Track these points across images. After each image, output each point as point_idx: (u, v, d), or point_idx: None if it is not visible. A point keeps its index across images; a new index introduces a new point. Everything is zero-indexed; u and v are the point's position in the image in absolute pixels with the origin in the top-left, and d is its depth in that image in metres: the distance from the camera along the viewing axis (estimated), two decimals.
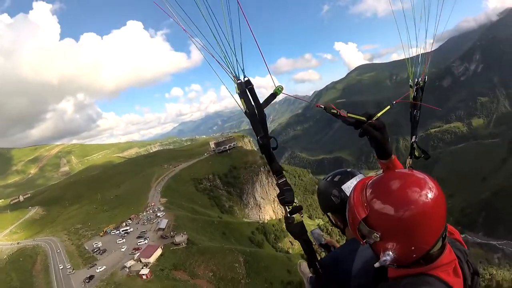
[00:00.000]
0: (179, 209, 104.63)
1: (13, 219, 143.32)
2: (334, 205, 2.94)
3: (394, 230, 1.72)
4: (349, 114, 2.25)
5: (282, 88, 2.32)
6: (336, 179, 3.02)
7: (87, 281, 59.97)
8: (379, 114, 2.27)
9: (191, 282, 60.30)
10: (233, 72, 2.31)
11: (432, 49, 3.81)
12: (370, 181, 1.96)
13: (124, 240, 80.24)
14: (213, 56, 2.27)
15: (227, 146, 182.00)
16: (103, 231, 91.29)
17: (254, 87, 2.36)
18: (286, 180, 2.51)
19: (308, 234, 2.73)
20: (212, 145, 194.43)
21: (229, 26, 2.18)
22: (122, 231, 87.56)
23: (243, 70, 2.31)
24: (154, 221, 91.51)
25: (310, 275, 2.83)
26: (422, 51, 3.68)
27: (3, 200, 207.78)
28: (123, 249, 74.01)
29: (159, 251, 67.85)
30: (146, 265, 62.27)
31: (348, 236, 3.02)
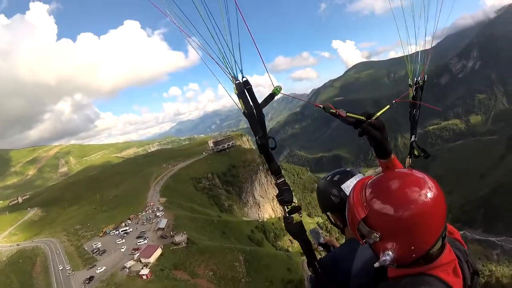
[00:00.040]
0: (179, 209, 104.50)
1: (12, 220, 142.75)
2: (334, 205, 2.94)
3: (394, 230, 1.71)
4: (348, 114, 2.25)
5: (280, 88, 2.31)
6: (335, 178, 3.02)
7: (87, 282, 59.75)
8: (378, 114, 2.27)
9: (191, 282, 60.23)
10: (231, 73, 2.30)
11: (431, 46, 3.73)
12: (370, 181, 1.95)
13: (123, 241, 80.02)
14: (211, 57, 2.27)
15: (226, 145, 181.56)
16: (103, 231, 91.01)
17: (252, 87, 2.35)
18: (284, 180, 2.50)
19: (308, 233, 2.72)
20: (210, 144, 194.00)
21: (227, 26, 2.18)
22: (122, 231, 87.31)
23: (241, 71, 2.29)
24: (153, 221, 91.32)
25: (310, 274, 2.78)
26: (421, 49, 3.62)
27: (1, 201, 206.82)
28: (122, 250, 73.82)
29: (159, 251, 67.73)
30: (146, 265, 62.13)
31: (347, 236, 3.02)
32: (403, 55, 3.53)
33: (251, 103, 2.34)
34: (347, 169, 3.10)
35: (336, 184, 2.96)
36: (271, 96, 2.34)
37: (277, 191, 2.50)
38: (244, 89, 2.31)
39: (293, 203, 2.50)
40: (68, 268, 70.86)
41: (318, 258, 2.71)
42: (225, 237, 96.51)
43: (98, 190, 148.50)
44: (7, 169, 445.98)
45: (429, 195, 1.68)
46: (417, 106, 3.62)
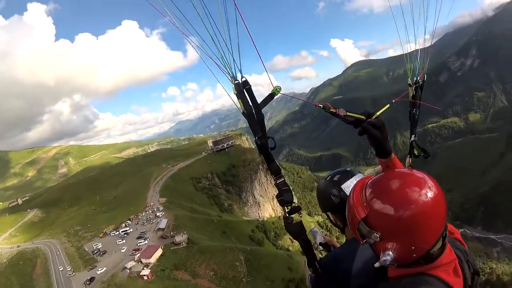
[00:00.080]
0: (179, 209, 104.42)
1: (12, 222, 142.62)
2: (334, 205, 2.94)
3: (394, 230, 1.71)
4: (347, 113, 2.25)
5: (280, 89, 2.30)
6: (335, 178, 3.02)
7: (88, 283, 59.66)
8: (378, 113, 2.27)
9: (192, 282, 60.14)
10: (230, 73, 2.29)
11: (431, 44, 3.72)
12: (370, 181, 1.95)
13: (124, 241, 79.95)
14: (210, 57, 2.26)
15: (225, 145, 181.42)
16: (103, 232, 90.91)
17: (251, 87, 2.34)
18: (284, 180, 2.50)
19: (308, 233, 2.72)
20: (210, 143, 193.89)
21: (226, 26, 2.17)
22: (122, 232, 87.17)
23: (240, 71, 2.28)
24: (153, 221, 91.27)
25: (310, 274, 2.79)
26: (421, 47, 3.61)
27: (1, 203, 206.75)
28: (123, 250, 73.65)
29: (159, 251, 67.68)
30: (146, 265, 62.07)
31: (348, 236, 3.02)
32: (401, 53, 3.53)
33: (251, 103, 2.33)
34: (347, 169, 3.09)
35: (336, 184, 2.95)
36: (271, 96, 2.33)
37: (277, 192, 2.50)
38: (243, 89, 2.31)
39: (293, 203, 2.50)
40: (68, 269, 70.77)
41: (318, 258, 2.70)
42: (225, 237, 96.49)
43: (98, 191, 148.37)
44: (6, 170, 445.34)
45: (429, 194, 1.68)
46: (416, 106, 3.62)
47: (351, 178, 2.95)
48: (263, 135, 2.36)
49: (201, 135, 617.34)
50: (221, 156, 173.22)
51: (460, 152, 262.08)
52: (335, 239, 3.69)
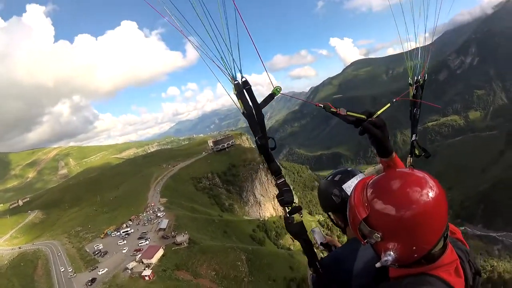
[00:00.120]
0: (179, 209, 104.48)
1: (13, 223, 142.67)
2: (335, 205, 2.93)
3: (395, 230, 1.70)
4: (348, 113, 2.25)
5: (280, 89, 2.31)
6: (336, 178, 3.01)
7: (89, 284, 59.65)
8: (379, 112, 2.28)
9: (194, 282, 60.17)
10: (230, 73, 2.30)
11: (429, 42, 3.73)
12: (371, 181, 1.94)
13: (125, 242, 79.92)
14: (210, 58, 2.28)
15: (225, 144, 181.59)
16: (104, 233, 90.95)
17: (251, 87, 2.34)
18: (285, 180, 2.50)
19: (309, 233, 2.72)
20: (210, 143, 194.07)
21: (226, 26, 2.18)
22: (123, 232, 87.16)
23: (240, 71, 2.29)
24: (154, 221, 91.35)
25: (311, 273, 2.79)
26: (421, 45, 3.62)
27: (2, 205, 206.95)
28: (124, 251, 73.75)
29: (160, 252, 67.70)
30: (148, 266, 62.10)
31: (349, 236, 3.02)
32: (401, 52, 3.55)
33: (251, 104, 2.33)
34: (348, 169, 3.08)
35: (337, 184, 2.94)
36: (271, 97, 2.34)
37: (278, 192, 2.50)
38: (243, 89, 2.31)
39: (293, 204, 2.51)
40: (70, 270, 70.81)
41: (319, 258, 2.71)
42: (226, 237, 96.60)
43: (98, 192, 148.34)
44: (6, 172, 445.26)
45: (431, 194, 1.67)
46: (417, 105, 3.63)
47: (352, 178, 2.94)
48: (263, 135, 2.36)
49: (201, 135, 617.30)
50: (222, 155, 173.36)
51: (460, 150, 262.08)
52: (336, 239, 3.71)
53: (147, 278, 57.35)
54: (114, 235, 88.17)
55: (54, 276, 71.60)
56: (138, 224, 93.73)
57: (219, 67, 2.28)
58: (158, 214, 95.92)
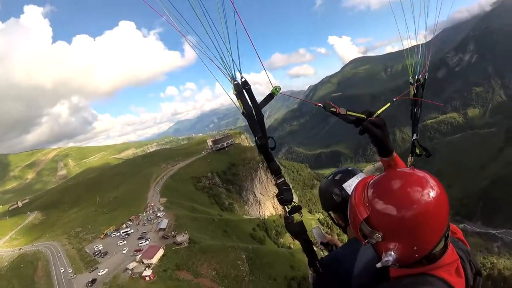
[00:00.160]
0: (179, 209, 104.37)
1: (12, 225, 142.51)
2: (335, 204, 2.93)
3: (396, 230, 1.70)
4: (348, 112, 2.25)
5: (279, 89, 2.31)
6: (337, 177, 3.01)
7: (89, 285, 59.54)
8: (379, 112, 2.28)
9: (194, 282, 60.14)
10: (229, 73, 2.30)
11: (428, 40, 3.68)
12: (372, 181, 1.93)
13: (125, 242, 79.70)
14: (209, 58, 2.27)
15: (225, 144, 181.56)
16: (104, 233, 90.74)
17: (251, 87, 2.34)
18: (284, 180, 2.51)
19: (309, 232, 2.73)
20: (209, 143, 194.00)
21: (225, 26, 2.17)
22: (123, 232, 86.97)
23: (240, 71, 2.29)
24: (154, 221, 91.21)
25: (311, 274, 2.78)
26: (421, 42, 3.59)
27: (1, 206, 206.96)
28: (124, 251, 73.62)
29: (161, 252, 67.62)
30: (148, 266, 62.02)
31: (349, 235, 3.02)
32: (399, 49, 3.47)
33: (250, 104, 2.34)
34: (349, 168, 3.07)
35: (338, 183, 2.95)
36: (270, 96, 2.34)
37: (277, 191, 2.51)
38: (242, 89, 2.31)
39: (293, 203, 2.52)
40: (70, 271, 70.63)
41: (320, 257, 2.71)
42: (226, 236, 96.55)
43: (98, 192, 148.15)
44: (6, 173, 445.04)
45: (432, 194, 1.66)
46: (418, 104, 3.60)
47: (352, 177, 2.94)
48: (263, 135, 2.37)
49: (200, 134, 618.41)
50: (221, 155, 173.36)
51: (459, 147, 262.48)
52: (336, 237, 3.65)
53: (147, 278, 57.30)
54: (114, 235, 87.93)
55: (54, 277, 71.47)
56: (138, 224, 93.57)
57: (218, 67, 2.28)
58: (158, 214, 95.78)
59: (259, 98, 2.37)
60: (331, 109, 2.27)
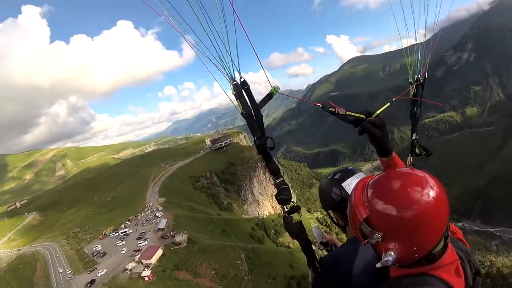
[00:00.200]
0: (178, 208, 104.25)
1: (11, 226, 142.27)
2: (335, 203, 2.93)
3: (396, 230, 1.69)
4: (347, 112, 2.26)
5: (278, 88, 2.31)
6: (336, 176, 3.02)
7: (88, 285, 59.33)
8: (378, 112, 2.28)
9: (193, 282, 60.00)
10: (228, 73, 2.31)
11: (427, 39, 3.63)
12: (371, 181, 1.92)
13: (123, 242, 79.59)
14: (208, 58, 2.27)
15: (223, 143, 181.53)
16: (102, 234, 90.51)
17: (250, 87, 2.35)
18: (283, 179, 2.53)
19: (309, 232, 2.75)
20: (208, 142, 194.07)
21: (224, 26, 2.18)
22: (121, 233, 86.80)
23: (239, 71, 2.31)
24: (153, 221, 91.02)
25: (311, 273, 2.78)
26: (422, 42, 3.56)
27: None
28: (123, 251, 73.39)
29: (160, 252, 67.49)
30: (147, 266, 61.87)
31: (349, 235, 3.02)
32: (397, 48, 3.44)
33: (249, 104, 2.34)
34: (349, 168, 3.07)
35: (337, 182, 2.95)
36: (269, 96, 2.35)
37: (276, 191, 2.52)
38: (241, 89, 2.32)
39: (292, 203, 2.53)
40: (68, 272, 70.44)
41: (319, 257, 2.72)
42: (225, 235, 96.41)
43: (96, 192, 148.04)
44: (4, 174, 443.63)
45: (432, 194, 1.66)
46: (417, 104, 3.58)
47: (351, 176, 2.93)
48: (262, 135, 2.37)
49: (199, 134, 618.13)
50: (219, 154, 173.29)
51: (458, 146, 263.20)
52: (335, 236, 3.62)
53: (146, 278, 57.14)
54: (113, 235, 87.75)
55: (53, 278, 71.28)
56: (137, 224, 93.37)
57: (217, 67, 2.28)
58: (157, 214, 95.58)
59: (257, 97, 2.36)
60: (330, 109, 2.27)
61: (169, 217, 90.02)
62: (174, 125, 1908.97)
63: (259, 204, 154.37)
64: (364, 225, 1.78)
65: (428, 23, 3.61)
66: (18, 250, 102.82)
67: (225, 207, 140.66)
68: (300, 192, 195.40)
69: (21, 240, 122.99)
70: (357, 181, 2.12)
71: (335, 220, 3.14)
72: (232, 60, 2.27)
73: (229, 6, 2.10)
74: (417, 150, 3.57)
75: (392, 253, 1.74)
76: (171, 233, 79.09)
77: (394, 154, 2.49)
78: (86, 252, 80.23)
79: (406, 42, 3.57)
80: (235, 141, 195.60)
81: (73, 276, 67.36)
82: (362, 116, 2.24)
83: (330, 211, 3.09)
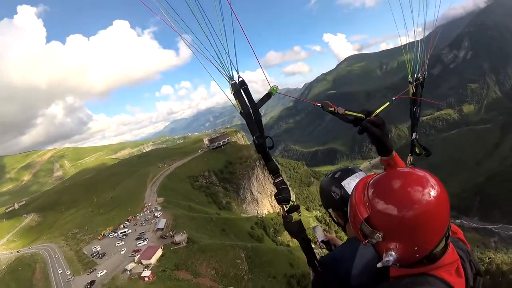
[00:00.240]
0: (177, 208, 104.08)
1: (9, 227, 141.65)
2: (334, 201, 2.94)
3: (397, 230, 1.69)
4: (347, 112, 2.26)
5: (277, 88, 2.31)
6: (336, 175, 3.03)
7: (88, 286, 59.03)
8: (378, 111, 2.29)
9: (194, 282, 59.95)
10: (227, 73, 2.30)
11: (426, 36, 3.66)
12: (372, 180, 1.91)
13: (123, 243, 79.29)
14: (206, 58, 2.25)
15: (221, 142, 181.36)
16: (101, 234, 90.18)
17: (248, 86, 2.35)
18: (282, 179, 2.53)
19: (309, 231, 2.76)
20: (206, 141, 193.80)
21: (222, 25, 2.16)
22: (121, 233, 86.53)
23: (237, 71, 2.29)
24: (152, 221, 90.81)
25: (312, 273, 2.79)
26: (421, 40, 3.59)
27: None
28: (122, 252, 73.07)
29: (159, 252, 67.32)
30: (147, 266, 61.71)
31: (348, 234, 3.03)
32: (394, 46, 3.44)
33: (248, 103, 2.34)
34: (349, 167, 3.08)
35: (337, 181, 2.96)
36: (268, 96, 2.34)
37: (276, 191, 2.53)
38: (240, 89, 2.32)
39: (291, 202, 2.53)
40: (68, 273, 70.04)
41: (319, 257, 2.72)
42: (225, 235, 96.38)
43: (95, 193, 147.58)
44: (1, 175, 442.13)
45: (432, 194, 1.65)
46: (417, 103, 3.57)
47: (351, 175, 2.95)
48: (261, 135, 2.37)
49: (196, 133, 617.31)
50: (218, 153, 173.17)
51: (455, 143, 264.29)
52: (334, 235, 3.65)
53: (146, 279, 57.01)
54: (112, 236, 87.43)
55: (53, 280, 70.93)
56: (136, 224, 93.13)
57: (216, 67, 2.27)
58: (156, 214, 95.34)
59: (255, 96, 2.37)
60: (329, 108, 2.27)
61: (168, 217, 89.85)
62: (171, 125, 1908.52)
63: (258, 203, 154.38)
64: (364, 225, 1.78)
65: (424, 20, 3.65)
66: (18, 252, 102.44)
67: (224, 206, 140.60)
68: (298, 191, 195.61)
69: (20, 241, 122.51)
70: (357, 181, 2.13)
71: (335, 219, 3.15)
72: (230, 59, 2.24)
73: (226, 5, 2.10)
74: (417, 150, 3.58)
75: (393, 253, 1.73)
76: (171, 233, 78.89)
77: (394, 153, 2.47)
78: (85, 253, 79.88)
79: (404, 40, 3.60)
80: (233, 140, 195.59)
81: (73, 277, 67.04)
82: (361, 115, 2.24)
83: (330, 210, 3.10)
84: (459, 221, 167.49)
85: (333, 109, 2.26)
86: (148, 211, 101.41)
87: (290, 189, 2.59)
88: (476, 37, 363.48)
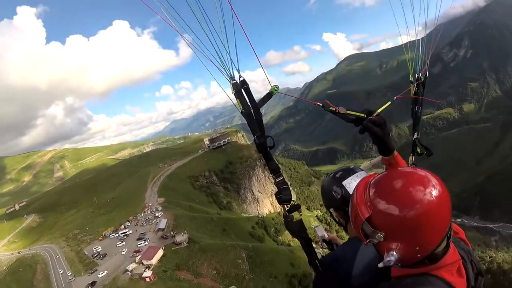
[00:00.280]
0: (177, 208, 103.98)
1: (10, 228, 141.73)
2: (335, 201, 2.95)
3: (398, 230, 1.68)
4: (348, 111, 2.25)
5: (278, 88, 2.31)
6: (337, 175, 3.04)
7: (89, 287, 59.25)
8: (379, 110, 2.28)
9: (195, 282, 59.91)
10: (228, 73, 2.30)
11: (426, 34, 3.65)
12: (373, 180, 1.90)
13: (124, 243, 79.13)
14: (207, 57, 2.26)
15: (222, 142, 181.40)
16: (102, 235, 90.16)
17: (249, 86, 2.35)
18: (283, 178, 2.52)
19: (310, 231, 2.75)
20: (206, 141, 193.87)
21: (223, 25, 2.16)
22: (121, 234, 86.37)
23: (238, 70, 2.29)
24: (153, 221, 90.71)
25: (313, 273, 2.78)
26: (422, 39, 3.52)
27: None
28: (123, 252, 72.94)
29: (160, 252, 67.26)
30: (148, 267, 61.64)
31: (350, 233, 3.04)
32: (394, 46, 3.40)
33: (249, 103, 2.33)
34: (350, 167, 3.09)
35: (338, 180, 2.97)
36: (269, 96, 2.34)
37: (276, 190, 2.52)
38: (241, 88, 2.31)
39: (292, 201, 2.52)
40: (69, 274, 70.05)
41: (320, 257, 2.72)
42: (225, 235, 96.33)
43: (95, 193, 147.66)
44: (2, 176, 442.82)
45: (434, 193, 1.64)
46: (419, 103, 3.58)
47: (352, 175, 2.95)
48: (261, 134, 2.37)
49: (196, 133, 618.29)
50: (218, 153, 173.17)
51: (455, 142, 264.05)
52: (335, 234, 3.64)
53: (147, 279, 56.92)
54: (113, 236, 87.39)
55: (54, 281, 70.95)
56: (136, 225, 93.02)
57: (217, 67, 2.27)
58: (156, 214, 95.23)
59: (255, 96, 2.37)
60: (330, 108, 2.27)
61: (169, 217, 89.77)
62: (171, 125, 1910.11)
63: (258, 202, 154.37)
64: (366, 225, 1.77)
65: (425, 19, 3.64)
66: (19, 253, 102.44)
67: (225, 206, 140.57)
68: (299, 190, 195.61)
69: (20, 242, 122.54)
70: (358, 180, 2.15)
71: (336, 218, 3.14)
72: (231, 58, 2.23)
73: (226, 4, 2.10)
74: (418, 150, 3.57)
75: (395, 253, 1.73)
76: (171, 233, 78.82)
77: (395, 152, 2.46)
78: (86, 253, 79.88)
79: (405, 39, 3.58)
80: (233, 140, 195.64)
81: (74, 278, 67.03)
82: (362, 115, 2.24)
83: (331, 210, 3.10)
84: (460, 220, 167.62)
85: (334, 109, 2.26)
86: (149, 212, 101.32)
87: (290, 188, 2.66)
88: (476, 36, 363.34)
